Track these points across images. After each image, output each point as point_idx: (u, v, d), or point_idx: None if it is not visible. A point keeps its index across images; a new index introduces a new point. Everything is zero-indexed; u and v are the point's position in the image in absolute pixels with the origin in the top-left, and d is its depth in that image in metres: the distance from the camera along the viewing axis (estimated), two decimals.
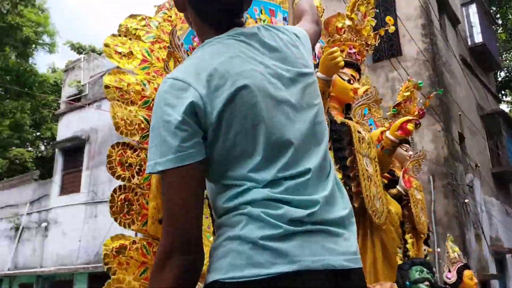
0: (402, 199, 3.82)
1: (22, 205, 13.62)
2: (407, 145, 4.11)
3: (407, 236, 3.77)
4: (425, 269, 3.17)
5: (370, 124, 4.19)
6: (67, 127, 13.76)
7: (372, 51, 3.58)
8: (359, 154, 2.94)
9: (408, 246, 3.72)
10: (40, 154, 17.77)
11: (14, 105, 16.94)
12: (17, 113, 16.73)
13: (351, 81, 3.18)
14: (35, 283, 12.39)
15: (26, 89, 17.72)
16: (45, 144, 17.95)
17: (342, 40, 3.24)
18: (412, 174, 4.16)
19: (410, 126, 3.19)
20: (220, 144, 1.12)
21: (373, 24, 3.45)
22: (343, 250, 1.12)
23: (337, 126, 3.00)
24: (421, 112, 4.13)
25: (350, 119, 3.34)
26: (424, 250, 3.88)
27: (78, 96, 14.00)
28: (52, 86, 18.65)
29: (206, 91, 1.10)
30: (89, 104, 13.11)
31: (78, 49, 18.85)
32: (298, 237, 1.07)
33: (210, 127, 1.11)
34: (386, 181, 3.67)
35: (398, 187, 3.77)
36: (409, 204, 3.81)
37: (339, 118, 3.12)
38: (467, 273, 3.92)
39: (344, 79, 3.17)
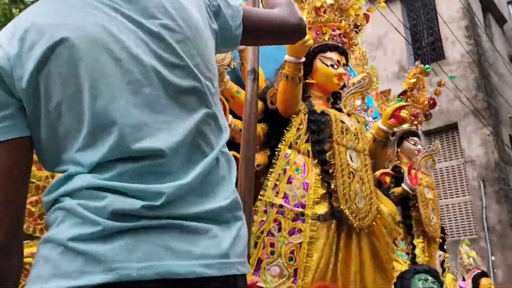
0: (409, 198, 3.38)
1: None
2: (415, 138, 3.68)
3: (417, 241, 3.32)
4: (429, 278, 2.73)
5: (375, 117, 3.80)
6: None
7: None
8: (340, 147, 2.59)
9: (416, 251, 3.27)
10: None
11: None
12: None
13: (335, 66, 2.83)
14: None
15: None
16: None
17: (322, 21, 2.89)
18: (425, 170, 3.70)
19: (404, 113, 2.80)
20: (44, 118, 0.86)
21: (363, 2, 3.10)
22: (202, 251, 0.82)
23: (316, 116, 2.66)
24: (431, 102, 3.70)
25: (340, 109, 2.99)
26: (440, 256, 3.40)
27: None
28: None
29: (17, 51, 0.85)
30: None
31: None
32: (127, 237, 0.79)
33: (24, 95, 0.85)
34: (388, 179, 3.27)
35: (403, 185, 3.36)
36: (417, 204, 3.36)
37: (320, 107, 2.77)
38: (484, 281, 3.36)
39: (326, 64, 2.83)
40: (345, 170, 2.56)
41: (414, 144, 3.71)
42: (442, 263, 3.67)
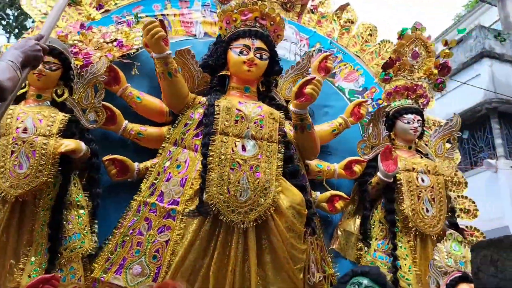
0: (393, 189, 2.85)
1: None
2: (410, 116, 3.02)
3: (404, 239, 2.76)
4: (365, 281, 2.27)
5: (378, 98, 3.31)
6: None
7: None
8: (227, 137, 2.43)
9: (399, 251, 2.71)
10: None
11: None
12: None
13: (244, 52, 2.66)
14: None
15: None
16: None
17: (231, 9, 2.75)
18: (444, 153, 3.02)
19: (309, 90, 2.43)
20: None
21: None
22: None
23: (207, 110, 2.56)
24: (440, 67, 3.07)
25: (272, 98, 2.79)
26: None
27: None
28: None
29: None
30: None
31: None
32: None
33: None
34: (358, 168, 2.85)
35: (378, 173, 2.83)
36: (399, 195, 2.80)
37: (233, 99, 2.64)
38: (463, 287, 2.46)
39: (236, 53, 2.68)
40: (227, 162, 2.37)
41: (408, 123, 3.04)
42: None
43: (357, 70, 3.44)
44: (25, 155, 2.25)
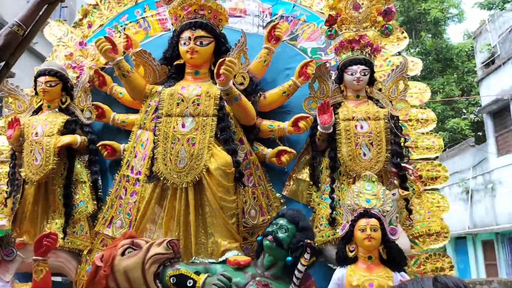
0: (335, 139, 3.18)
1: (466, 170, 14.81)
2: (353, 67, 3.21)
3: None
4: (281, 222, 2.81)
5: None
6: (488, 91, 14.30)
7: None
8: (169, 118, 3.10)
9: (340, 193, 3.08)
10: (473, 120, 18.49)
11: (441, 82, 18.74)
12: (446, 87, 18.39)
13: (186, 43, 3.24)
14: (494, 239, 13.50)
15: (447, 63, 19.68)
16: (474, 110, 18.87)
17: (176, 7, 3.31)
18: (397, 96, 3.18)
19: (222, 70, 2.91)
20: None
21: None
22: None
23: (159, 97, 3.23)
24: (384, 13, 3.21)
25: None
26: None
27: (491, 58, 14.45)
28: (468, 51, 19.53)
29: None
30: (503, 64, 13.43)
31: (488, 5, 18.65)
32: None
33: None
34: (303, 124, 3.25)
35: (318, 126, 3.18)
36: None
37: (187, 83, 3.28)
38: (360, 223, 2.64)
39: (181, 44, 3.27)
40: (169, 138, 3.03)
41: (352, 74, 3.21)
42: (407, 203, 3.10)
43: (321, 28, 3.65)
44: (38, 152, 3.24)
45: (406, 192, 3.01)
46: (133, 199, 3.15)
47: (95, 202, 3.33)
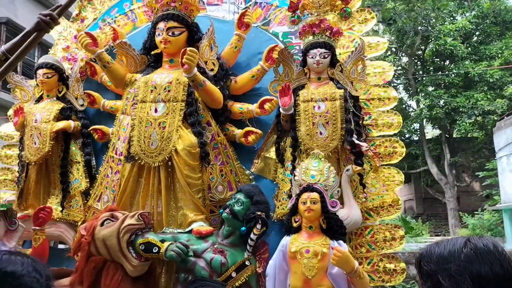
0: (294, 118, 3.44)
1: None
2: (314, 51, 3.42)
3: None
4: (238, 196, 3.14)
5: None
6: None
7: None
8: (144, 104, 3.46)
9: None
10: None
11: (499, 46, 18.26)
12: (504, 52, 17.93)
13: (160, 34, 3.56)
14: None
15: (506, 26, 18.99)
16: None
17: (151, 0, 3.62)
18: (357, 76, 3.37)
19: (184, 60, 3.21)
20: None
21: None
22: None
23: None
24: None
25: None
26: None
27: None
28: None
29: None
30: None
31: None
32: None
33: None
34: (268, 106, 3.52)
35: (280, 108, 3.44)
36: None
37: (162, 71, 3.62)
38: (302, 196, 2.87)
39: (157, 35, 3.60)
40: (143, 122, 3.39)
41: (312, 58, 3.40)
42: (361, 178, 3.32)
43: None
44: (36, 136, 3.72)
45: (358, 168, 3.22)
46: (116, 177, 3.55)
47: (88, 180, 3.78)
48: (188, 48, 3.24)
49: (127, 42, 3.71)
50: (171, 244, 3.00)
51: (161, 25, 3.54)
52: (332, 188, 2.99)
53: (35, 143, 3.72)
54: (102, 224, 3.21)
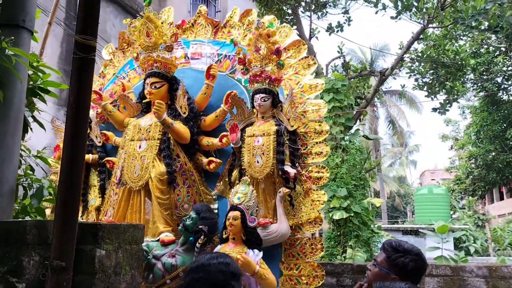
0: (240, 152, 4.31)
1: None
2: (256, 95, 4.27)
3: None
4: (191, 214, 4.10)
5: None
6: None
7: None
8: (132, 142, 4.58)
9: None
10: None
11: None
12: None
13: (147, 87, 4.66)
14: None
15: None
16: None
17: (140, 61, 4.74)
18: (291, 114, 4.17)
19: (153, 109, 4.26)
20: None
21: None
22: None
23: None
24: (275, 51, 4.26)
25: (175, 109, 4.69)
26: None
27: None
28: None
29: None
30: None
31: None
32: None
33: None
34: (225, 140, 4.45)
35: (231, 144, 4.34)
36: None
37: (134, 121, 4.73)
38: (228, 214, 3.66)
39: (145, 88, 4.72)
40: (131, 156, 4.49)
41: (255, 101, 4.24)
42: (291, 199, 4.06)
43: None
44: None
45: (286, 190, 3.99)
46: (115, 197, 4.69)
47: (101, 199, 4.98)
48: (156, 101, 4.29)
49: (126, 94, 4.87)
50: None
51: (148, 80, 4.64)
52: (252, 208, 3.81)
53: None
54: None
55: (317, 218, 4.07)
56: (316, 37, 13.35)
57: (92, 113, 5.18)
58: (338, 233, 10.81)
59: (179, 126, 4.43)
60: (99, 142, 5.10)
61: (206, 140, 4.63)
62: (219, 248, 3.83)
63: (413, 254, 2.20)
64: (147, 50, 4.68)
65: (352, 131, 11.84)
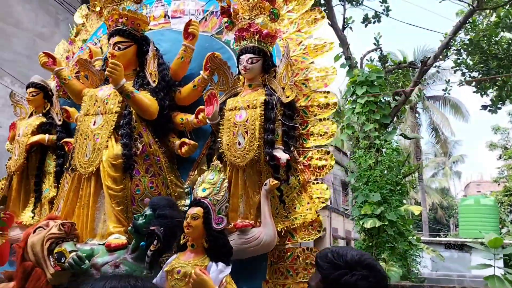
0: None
1: None
2: (242, 56, 3.19)
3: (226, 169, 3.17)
4: (145, 209, 3.08)
5: None
6: None
7: None
8: (86, 117, 3.61)
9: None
10: None
11: None
12: None
13: (109, 49, 3.68)
14: None
15: None
16: None
17: (105, 18, 3.76)
18: (287, 81, 3.08)
19: (107, 72, 3.26)
20: None
21: None
22: None
23: None
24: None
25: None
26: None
27: None
28: None
29: None
30: None
31: None
32: None
33: None
34: (203, 115, 3.41)
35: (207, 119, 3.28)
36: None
37: (90, 91, 3.77)
38: (188, 211, 2.52)
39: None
40: (83, 135, 3.50)
41: (241, 64, 3.13)
42: (281, 194, 2.93)
43: None
44: (17, 149, 4.09)
45: (275, 182, 2.88)
46: (66, 187, 3.71)
47: (56, 190, 4.02)
48: (111, 61, 3.28)
49: (87, 59, 3.90)
50: (73, 254, 3.02)
51: (111, 40, 3.65)
52: (220, 203, 2.71)
53: (15, 155, 4.10)
54: (34, 231, 3.38)
55: (315, 221, 2.91)
56: (350, 28, 12.10)
57: (52, 84, 4.25)
58: (370, 244, 9.62)
59: (142, 96, 3.40)
60: (59, 120, 4.15)
61: (181, 117, 3.58)
62: (171, 260, 2.75)
63: (363, 267, 1.37)
64: (112, 2, 3.70)
65: (389, 130, 10.57)
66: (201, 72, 3.51)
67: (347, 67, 11.01)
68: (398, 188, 9.75)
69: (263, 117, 3.03)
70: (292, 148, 3.05)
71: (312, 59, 3.29)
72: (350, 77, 9.99)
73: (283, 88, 3.11)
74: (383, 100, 10.04)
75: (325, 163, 3.00)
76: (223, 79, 3.38)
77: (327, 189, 2.96)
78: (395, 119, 11.04)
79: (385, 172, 9.57)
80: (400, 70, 12.09)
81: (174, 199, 3.36)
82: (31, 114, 4.38)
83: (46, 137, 4.09)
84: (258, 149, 2.99)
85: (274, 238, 2.87)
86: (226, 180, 2.82)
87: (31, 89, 4.22)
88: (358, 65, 11.93)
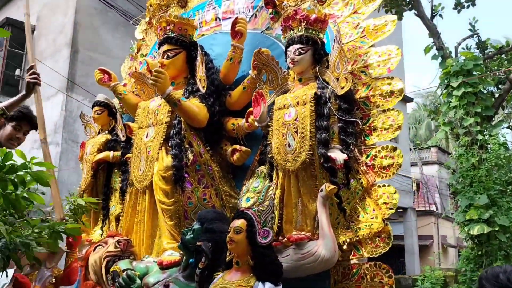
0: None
1: None
2: (289, 48, 2.85)
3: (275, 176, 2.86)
4: (194, 224, 2.88)
5: None
6: None
7: None
8: (140, 130, 3.52)
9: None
10: None
11: None
12: None
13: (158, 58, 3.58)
14: None
15: None
16: None
17: (154, 27, 3.67)
18: (341, 71, 2.71)
19: (151, 81, 3.13)
20: None
21: None
22: None
23: None
24: None
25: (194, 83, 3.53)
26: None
27: None
28: None
29: None
30: None
31: None
32: None
33: None
34: (252, 118, 3.16)
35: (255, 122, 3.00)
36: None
37: (143, 103, 3.68)
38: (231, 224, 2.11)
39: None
40: (137, 149, 3.40)
41: (288, 56, 2.76)
42: (340, 201, 2.50)
43: None
44: (85, 168, 4.13)
45: (331, 187, 2.47)
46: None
47: (121, 206, 3.97)
48: (155, 69, 3.13)
49: (141, 72, 3.82)
50: (124, 274, 2.88)
51: (160, 50, 3.53)
52: (265, 214, 2.37)
53: (84, 173, 4.14)
54: (94, 249, 3.33)
55: (382, 231, 2.45)
56: (440, 15, 11.09)
57: (116, 101, 4.26)
58: (480, 253, 8.57)
59: (190, 103, 3.20)
60: (123, 136, 4.12)
61: (232, 122, 3.32)
62: (217, 280, 2.46)
63: None
64: (160, 10, 3.59)
65: (493, 123, 9.41)
66: (250, 71, 3.23)
67: (439, 59, 10.07)
68: (509, 188, 8.61)
69: (314, 113, 2.65)
70: (352, 147, 2.63)
71: (372, 42, 2.84)
72: (443, 68, 9.09)
73: (337, 79, 2.71)
74: (484, 91, 8.97)
75: (391, 162, 2.52)
76: (271, 76, 3.05)
77: (395, 192, 2.48)
78: (500, 110, 9.82)
79: (493, 171, 8.50)
80: (504, 55, 10.76)
81: (229, 211, 3.11)
82: (99, 133, 4.43)
83: (111, 154, 4.08)
84: (310, 150, 2.61)
85: (335, 253, 2.45)
86: (272, 188, 2.49)
87: (96, 108, 4.26)
88: (453, 55, 10.87)
